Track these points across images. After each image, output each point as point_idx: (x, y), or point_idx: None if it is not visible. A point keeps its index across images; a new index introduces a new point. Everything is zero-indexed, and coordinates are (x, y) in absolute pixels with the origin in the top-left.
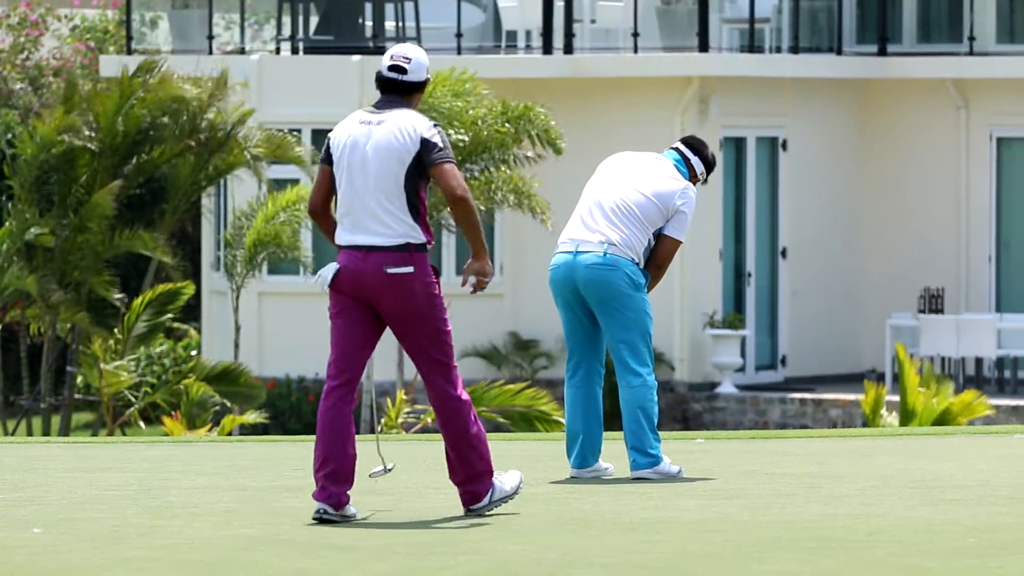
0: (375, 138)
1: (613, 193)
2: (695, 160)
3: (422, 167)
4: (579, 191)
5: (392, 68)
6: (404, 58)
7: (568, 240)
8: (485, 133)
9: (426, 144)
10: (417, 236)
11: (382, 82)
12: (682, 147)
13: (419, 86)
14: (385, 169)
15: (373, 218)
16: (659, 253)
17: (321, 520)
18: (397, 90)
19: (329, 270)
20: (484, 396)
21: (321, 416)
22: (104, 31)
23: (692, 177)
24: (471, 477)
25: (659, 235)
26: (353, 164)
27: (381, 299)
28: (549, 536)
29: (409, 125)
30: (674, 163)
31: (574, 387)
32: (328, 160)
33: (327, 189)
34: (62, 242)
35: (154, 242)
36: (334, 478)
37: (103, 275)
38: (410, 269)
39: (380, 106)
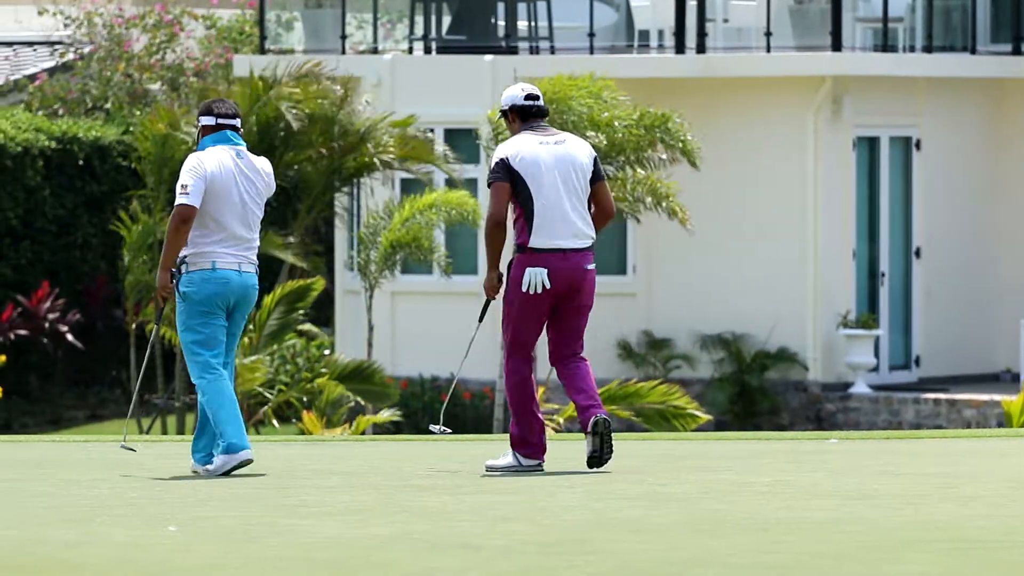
0: (560, 155)
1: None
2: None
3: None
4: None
5: (529, 97)
6: (532, 88)
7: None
8: (620, 135)
9: (596, 163)
10: (595, 237)
11: (527, 110)
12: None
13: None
14: (578, 182)
15: (575, 223)
16: None
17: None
18: (541, 115)
19: (542, 274)
20: (617, 394)
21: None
22: (240, 31)
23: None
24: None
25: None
26: (550, 178)
27: (577, 291)
28: (680, 536)
29: (584, 146)
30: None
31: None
32: (507, 178)
33: (508, 203)
34: None
35: (282, 244)
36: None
37: None
38: (594, 265)
39: (542, 130)
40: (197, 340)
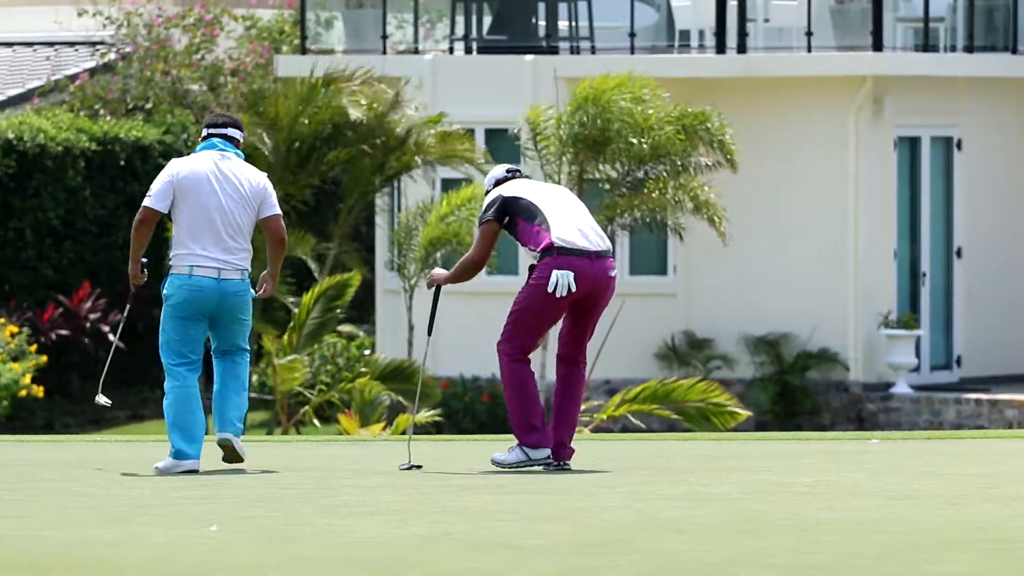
0: (555, 185)
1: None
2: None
3: None
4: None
5: (511, 171)
6: (511, 165)
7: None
8: (664, 138)
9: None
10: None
11: (511, 178)
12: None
13: None
14: (580, 202)
15: (591, 228)
16: None
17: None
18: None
19: (568, 277)
20: (658, 393)
21: (522, 367)
22: (280, 31)
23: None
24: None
25: None
26: (553, 194)
27: (600, 296)
28: (721, 536)
29: None
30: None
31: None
32: (499, 217)
33: (492, 247)
34: None
35: (307, 245)
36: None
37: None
38: (616, 272)
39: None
40: (168, 341)
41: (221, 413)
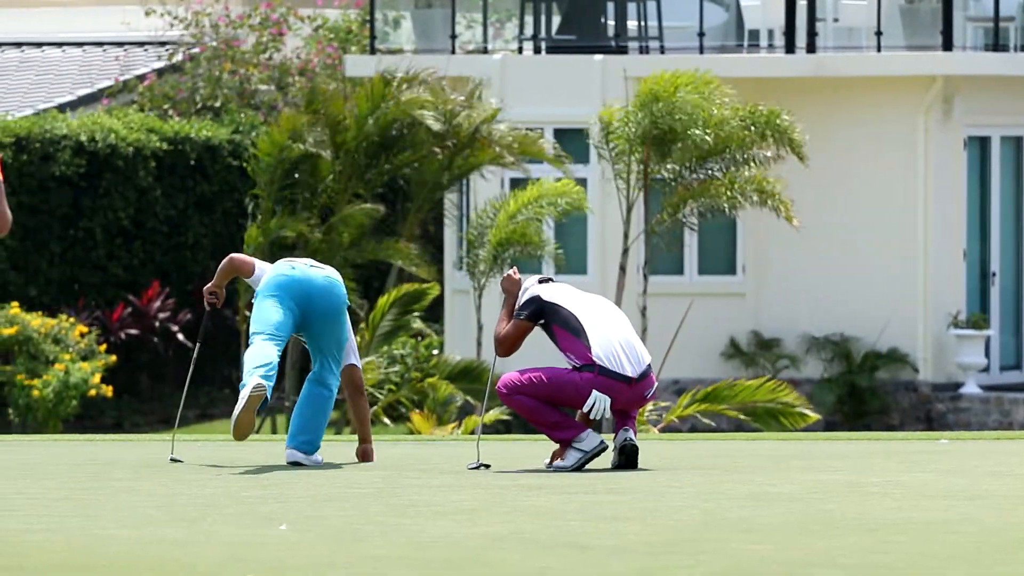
0: (596, 297)
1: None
2: None
3: None
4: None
5: (543, 280)
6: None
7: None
8: (726, 134)
9: None
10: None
11: (544, 280)
12: None
13: None
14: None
15: (632, 344)
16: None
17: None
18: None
19: (605, 402)
20: (726, 394)
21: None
22: (347, 31)
23: None
24: None
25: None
26: (592, 300)
27: (632, 409)
28: (790, 536)
29: None
30: None
31: None
32: (534, 318)
33: (520, 342)
34: (306, 243)
35: (404, 252)
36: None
37: (347, 281)
38: (655, 388)
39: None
40: (255, 319)
41: (296, 431)
